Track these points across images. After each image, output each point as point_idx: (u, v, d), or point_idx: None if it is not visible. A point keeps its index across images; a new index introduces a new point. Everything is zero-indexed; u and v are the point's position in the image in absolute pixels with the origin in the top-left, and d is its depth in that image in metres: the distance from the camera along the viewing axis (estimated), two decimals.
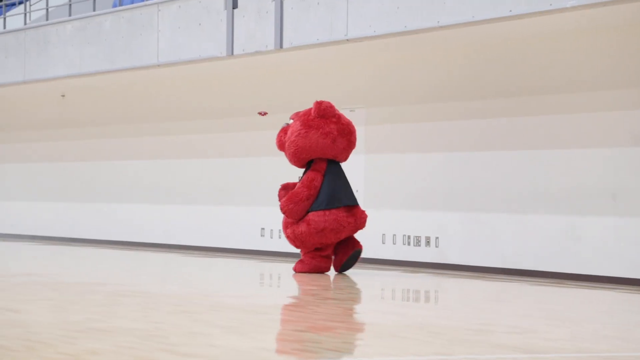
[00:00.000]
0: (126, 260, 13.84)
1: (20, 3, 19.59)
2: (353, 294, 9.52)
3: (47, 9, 17.37)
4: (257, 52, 13.24)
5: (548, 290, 10.11)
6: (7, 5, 18.84)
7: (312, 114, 11.05)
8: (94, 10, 16.12)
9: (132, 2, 15.92)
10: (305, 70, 14.20)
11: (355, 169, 13.51)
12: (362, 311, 7.96)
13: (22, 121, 19.17)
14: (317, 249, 11.14)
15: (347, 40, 12.17)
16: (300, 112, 11.29)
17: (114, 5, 16.41)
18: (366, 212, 11.23)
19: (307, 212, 10.95)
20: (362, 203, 13.42)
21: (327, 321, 7.21)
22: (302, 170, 11.42)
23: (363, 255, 13.29)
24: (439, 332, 6.46)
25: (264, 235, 14.61)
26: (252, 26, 13.26)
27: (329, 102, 11.15)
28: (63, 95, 18.09)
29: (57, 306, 7.48)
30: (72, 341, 5.60)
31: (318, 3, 12.44)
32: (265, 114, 13.14)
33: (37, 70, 16.71)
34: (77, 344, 5.49)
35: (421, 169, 12.83)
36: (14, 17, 18.83)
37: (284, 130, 11.28)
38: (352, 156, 13.56)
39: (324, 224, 10.86)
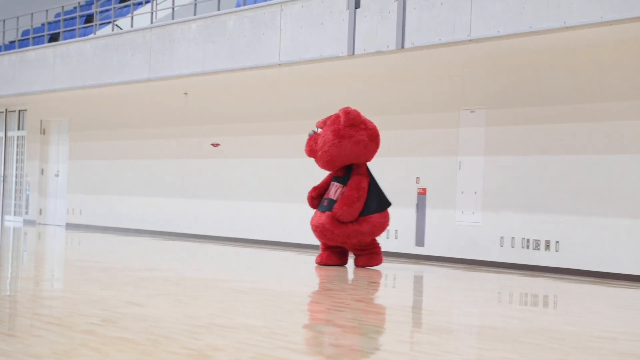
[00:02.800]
0: (245, 256, 14.01)
1: (147, 2, 20.00)
2: (470, 297, 9.46)
3: (173, 8, 17.70)
4: (378, 52, 13.25)
5: None
6: (134, 4, 19.26)
7: (342, 123, 11.71)
8: (219, 9, 16.36)
9: (256, 2, 16.10)
10: (426, 70, 14.15)
11: (474, 170, 13.41)
12: (483, 314, 7.90)
13: (146, 118, 19.58)
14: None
15: (470, 40, 12.09)
16: (326, 119, 11.95)
17: (238, 5, 16.62)
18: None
19: (363, 213, 11.68)
20: (481, 205, 13.31)
21: (446, 323, 7.18)
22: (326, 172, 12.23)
23: (479, 257, 13.18)
24: (561, 337, 6.37)
25: (380, 235, 14.60)
26: (374, 26, 13.28)
27: (355, 110, 11.81)
28: (186, 93, 18.40)
29: (179, 301, 7.62)
30: (196, 337, 5.70)
31: (441, 3, 12.39)
32: (217, 145, 14.39)
33: (162, 68, 17.04)
34: (200, 340, 5.59)
35: (541, 171, 12.66)
36: (141, 16, 19.24)
37: (313, 139, 12.00)
38: (471, 158, 13.49)
39: (384, 225, 11.82)
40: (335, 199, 11.85)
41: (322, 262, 12.05)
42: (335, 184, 11.97)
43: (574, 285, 10.89)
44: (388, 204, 11.88)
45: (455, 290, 10.13)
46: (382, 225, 11.76)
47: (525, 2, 11.40)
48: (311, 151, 12.04)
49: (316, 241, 16.10)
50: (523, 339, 6.23)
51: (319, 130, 12.01)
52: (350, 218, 11.67)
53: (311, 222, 12.14)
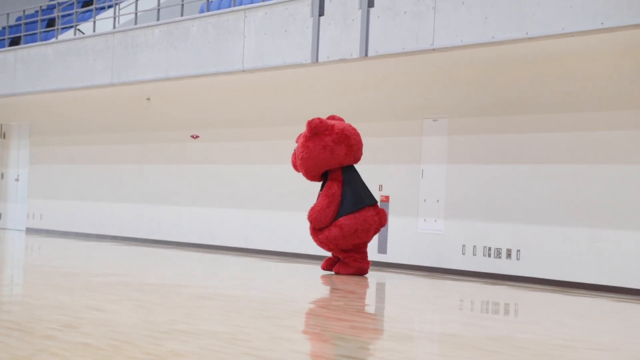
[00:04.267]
0: (207, 262, 13.96)
1: (109, 7, 19.91)
2: (432, 304, 9.48)
3: (136, 13, 17.63)
4: (342, 60, 13.28)
5: (631, 308, 9.95)
6: (97, 9, 19.16)
7: (307, 134, 12.10)
8: (182, 15, 16.32)
9: (219, 8, 16.08)
10: (390, 79, 14.19)
11: (437, 179, 13.47)
12: (444, 321, 7.93)
13: (108, 123, 19.47)
14: (355, 251, 12.07)
15: (433, 49, 12.14)
16: (301, 134, 12.31)
17: (201, 11, 16.59)
18: (385, 209, 12.22)
19: (336, 217, 11.91)
20: (443, 213, 13.37)
21: (408, 331, 7.19)
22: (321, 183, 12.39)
23: (441, 265, 13.23)
24: (522, 345, 6.40)
25: None
26: (338, 34, 13.30)
27: (318, 119, 12.10)
28: (148, 99, 18.33)
29: (141, 307, 7.58)
30: (157, 342, 5.67)
31: (405, 12, 12.44)
32: (197, 137, 14.62)
33: (124, 73, 16.96)
34: (162, 345, 5.56)
35: (503, 180, 12.74)
36: (104, 21, 19.14)
37: (294, 155, 12.37)
38: (434, 166, 13.55)
39: (356, 226, 11.85)
40: None
41: (325, 268, 12.38)
42: (319, 192, 12.26)
43: (535, 294, 10.95)
44: (364, 203, 11.94)
45: (418, 297, 10.16)
46: (350, 227, 11.84)
47: (489, 12, 11.48)
48: (294, 166, 12.41)
49: (276, 247, 16.08)
50: (484, 347, 6.25)
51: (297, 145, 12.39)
52: (320, 224, 11.94)
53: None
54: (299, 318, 7.57)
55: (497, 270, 12.66)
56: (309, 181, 13.26)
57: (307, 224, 13.32)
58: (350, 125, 12.29)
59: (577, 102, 12.04)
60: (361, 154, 12.27)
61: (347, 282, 11.25)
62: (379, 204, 12.55)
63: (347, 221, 11.85)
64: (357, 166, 12.98)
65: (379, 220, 11.98)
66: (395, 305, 9.43)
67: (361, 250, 12.11)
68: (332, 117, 12.41)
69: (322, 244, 12.08)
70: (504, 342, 6.54)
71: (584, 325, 8.20)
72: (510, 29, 11.28)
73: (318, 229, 12.05)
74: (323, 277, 11.70)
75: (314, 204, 12.13)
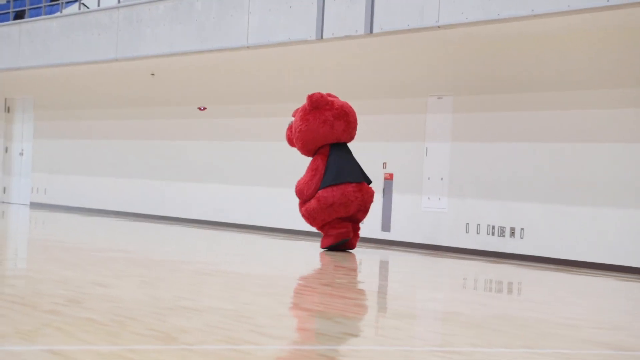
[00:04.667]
0: (211, 238, 13.98)
1: None
2: (435, 282, 9.50)
3: None
4: (347, 37, 13.24)
5: (636, 287, 9.96)
6: None
7: (307, 107, 12.07)
8: None
9: None
10: (395, 56, 14.15)
11: (440, 157, 13.45)
12: (447, 300, 7.94)
13: (112, 98, 19.45)
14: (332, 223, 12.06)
15: (438, 26, 12.10)
16: (298, 108, 12.34)
17: None
18: (373, 189, 12.12)
19: (318, 190, 11.92)
20: (447, 191, 13.36)
21: (411, 309, 7.20)
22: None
23: (444, 243, 13.24)
24: (525, 324, 6.41)
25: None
26: (343, 10, 13.26)
27: (319, 93, 12.09)
28: (153, 74, 18.30)
29: (145, 283, 7.59)
30: (162, 318, 5.68)
31: None
32: (204, 108, 14.63)
33: (128, 49, 16.93)
34: (166, 322, 5.57)
35: (508, 158, 12.73)
36: None
37: (289, 128, 12.38)
38: (438, 144, 13.53)
39: (332, 199, 11.82)
40: None
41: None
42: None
43: (539, 273, 10.96)
44: (344, 179, 11.90)
45: (421, 275, 10.18)
46: (326, 199, 11.78)
47: None
48: (289, 140, 12.41)
49: (281, 224, 16.09)
50: (487, 326, 6.26)
51: (293, 119, 12.36)
52: (303, 197, 12.06)
53: None
54: (303, 296, 7.59)
55: (501, 248, 12.67)
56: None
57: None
58: (347, 103, 12.31)
59: (581, 80, 12.00)
60: (355, 133, 12.27)
61: (350, 259, 11.26)
62: (372, 184, 12.54)
63: (325, 194, 11.82)
64: (358, 143, 12.97)
65: (362, 197, 11.86)
66: (399, 283, 9.44)
67: (341, 222, 11.99)
68: (329, 95, 12.37)
69: (304, 217, 12.14)
70: (508, 321, 6.55)
71: (588, 304, 8.21)
72: (516, 6, 11.23)
73: (302, 202, 12.10)
74: (327, 254, 11.70)
75: (300, 178, 12.23)
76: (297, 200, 12.65)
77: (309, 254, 11.91)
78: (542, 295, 8.81)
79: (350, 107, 12.28)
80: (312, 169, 12.06)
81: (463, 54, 13.28)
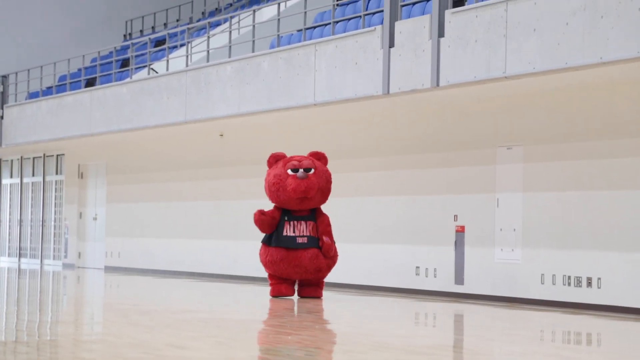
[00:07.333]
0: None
1: (182, 46, 20.16)
2: (512, 335, 9.37)
3: (208, 51, 17.82)
4: (414, 90, 13.26)
5: None
6: (169, 48, 19.42)
7: (324, 163, 13.29)
8: (253, 51, 16.45)
9: (289, 43, 16.18)
10: (462, 108, 14.13)
11: (512, 207, 13.33)
12: (524, 353, 7.82)
13: (182, 160, 19.66)
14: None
15: (506, 77, 12.07)
16: (300, 159, 13.20)
17: (272, 46, 16.70)
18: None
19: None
20: (520, 242, 13.22)
21: None
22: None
23: (519, 295, 13.07)
24: None
25: (418, 274, 14.53)
26: (409, 64, 13.29)
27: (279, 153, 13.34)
28: (221, 135, 18.49)
29: (220, 343, 7.60)
30: None
31: (476, 40, 12.39)
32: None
33: (197, 110, 17.14)
34: None
35: (581, 206, 12.57)
36: (176, 60, 19.38)
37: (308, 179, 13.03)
38: (509, 194, 13.42)
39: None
40: (313, 235, 12.66)
41: (279, 294, 12.76)
42: (303, 222, 12.74)
43: (618, 323, 10.76)
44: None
45: (497, 328, 10.05)
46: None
47: (561, 37, 11.37)
48: (308, 189, 12.80)
49: (354, 281, 15.99)
50: None
51: (304, 170, 12.88)
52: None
53: (303, 261, 12.63)
54: (376, 352, 7.52)
55: (578, 299, 12.46)
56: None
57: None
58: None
59: None
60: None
61: (422, 314, 11.16)
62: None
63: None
64: (428, 197, 12.93)
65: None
66: (475, 337, 9.32)
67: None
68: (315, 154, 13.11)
69: (318, 270, 12.71)
70: None
71: None
72: (584, 54, 11.16)
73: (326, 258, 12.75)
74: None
75: (329, 235, 12.81)
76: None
77: (369, 306, 11.80)
78: (623, 347, 8.64)
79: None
80: (330, 225, 12.93)
81: (531, 103, 13.21)
